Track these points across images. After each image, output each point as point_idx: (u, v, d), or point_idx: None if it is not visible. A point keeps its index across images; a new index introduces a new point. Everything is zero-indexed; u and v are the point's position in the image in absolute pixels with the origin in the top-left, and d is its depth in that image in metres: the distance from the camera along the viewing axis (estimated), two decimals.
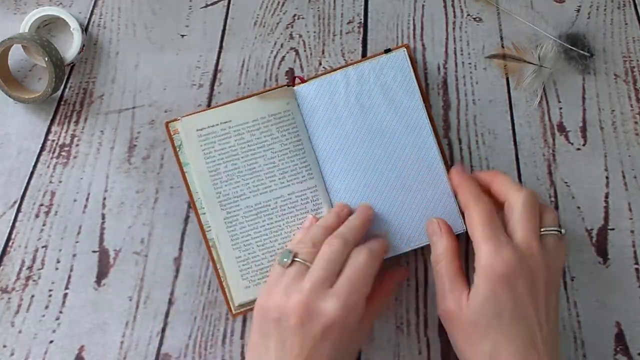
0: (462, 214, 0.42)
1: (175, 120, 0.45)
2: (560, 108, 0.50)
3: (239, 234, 0.44)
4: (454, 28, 0.54)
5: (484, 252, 0.37)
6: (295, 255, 0.39)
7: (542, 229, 0.39)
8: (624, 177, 0.48)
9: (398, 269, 0.45)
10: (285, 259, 0.39)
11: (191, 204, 0.45)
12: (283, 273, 0.39)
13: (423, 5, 0.55)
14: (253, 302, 0.40)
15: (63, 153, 0.50)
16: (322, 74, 0.47)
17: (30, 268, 0.46)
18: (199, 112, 0.46)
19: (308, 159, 0.45)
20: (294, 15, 0.55)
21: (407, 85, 0.46)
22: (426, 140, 0.45)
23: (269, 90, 0.46)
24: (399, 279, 0.44)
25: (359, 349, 0.43)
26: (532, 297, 0.36)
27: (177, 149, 0.45)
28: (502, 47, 0.52)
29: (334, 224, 0.41)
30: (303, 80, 0.47)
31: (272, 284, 0.39)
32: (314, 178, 0.45)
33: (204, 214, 0.44)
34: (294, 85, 0.47)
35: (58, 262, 0.47)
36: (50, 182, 0.49)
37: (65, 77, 0.53)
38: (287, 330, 0.36)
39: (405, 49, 0.47)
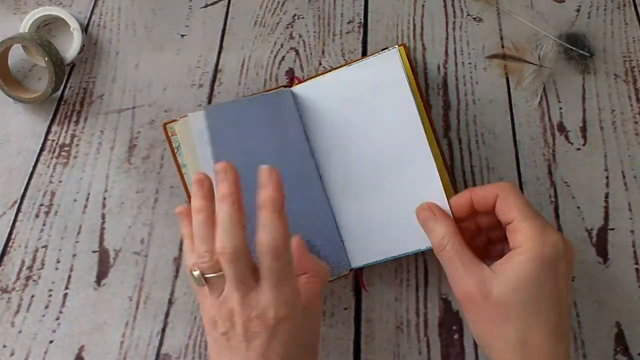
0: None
1: (172, 121, 0.45)
2: (560, 108, 0.50)
3: None
4: (454, 28, 0.54)
5: (531, 231, 0.35)
6: (203, 276, 0.35)
7: None
8: (624, 177, 0.48)
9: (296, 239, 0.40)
10: (199, 284, 0.35)
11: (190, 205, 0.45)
12: (205, 294, 0.36)
13: (423, 5, 0.55)
14: None
15: (63, 153, 0.50)
16: (321, 74, 0.47)
17: (30, 268, 0.46)
18: (196, 113, 0.45)
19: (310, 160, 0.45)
20: (294, 15, 0.55)
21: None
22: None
23: (266, 92, 0.46)
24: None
25: (318, 338, 0.39)
26: (567, 282, 0.36)
27: (175, 150, 0.45)
28: (502, 47, 0.52)
29: (208, 206, 0.37)
30: (301, 81, 0.47)
31: (204, 304, 0.36)
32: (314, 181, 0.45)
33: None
34: (292, 86, 0.47)
35: (58, 262, 0.47)
36: (50, 182, 0.49)
37: (65, 77, 0.53)
38: (235, 339, 0.34)
39: (400, 48, 0.47)
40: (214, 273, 0.35)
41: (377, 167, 0.44)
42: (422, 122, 0.43)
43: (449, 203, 0.40)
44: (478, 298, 0.35)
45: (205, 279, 0.35)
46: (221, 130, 0.43)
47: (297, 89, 0.46)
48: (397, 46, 0.46)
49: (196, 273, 0.35)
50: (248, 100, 0.45)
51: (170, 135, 0.45)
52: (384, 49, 0.48)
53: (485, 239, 0.42)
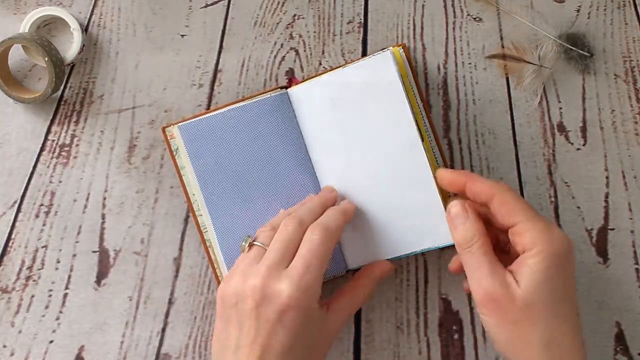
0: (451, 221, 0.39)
1: (170, 125, 0.45)
2: (560, 108, 0.50)
3: None
4: (454, 28, 0.54)
5: (537, 232, 0.35)
6: (254, 240, 0.39)
7: None
8: (624, 177, 0.48)
9: (379, 263, 0.42)
10: (244, 243, 0.39)
11: (188, 206, 0.45)
12: (243, 258, 0.38)
13: (423, 5, 0.55)
14: None
15: (63, 153, 0.50)
16: (320, 74, 0.47)
17: (30, 268, 0.46)
18: (194, 117, 0.45)
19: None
20: (294, 15, 0.55)
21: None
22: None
23: (264, 93, 0.46)
24: (379, 274, 0.42)
25: (325, 351, 0.39)
26: (573, 278, 0.36)
27: (174, 153, 0.45)
28: (502, 47, 0.52)
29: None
30: (299, 83, 0.47)
31: (233, 269, 0.38)
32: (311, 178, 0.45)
33: (201, 215, 0.44)
34: (289, 88, 0.47)
35: (58, 262, 0.47)
36: (50, 182, 0.49)
37: (65, 77, 0.53)
38: (244, 315, 0.35)
39: (400, 48, 0.47)
40: (261, 244, 0.38)
41: (372, 169, 0.43)
42: (418, 123, 0.42)
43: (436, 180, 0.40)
44: (503, 300, 0.34)
45: (251, 245, 0.39)
46: (199, 145, 0.44)
47: (293, 90, 0.46)
48: (391, 48, 0.45)
49: (249, 237, 0.39)
50: (229, 111, 0.45)
51: (169, 138, 0.45)
52: (384, 49, 0.48)
53: None
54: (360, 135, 0.43)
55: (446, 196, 0.41)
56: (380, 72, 0.42)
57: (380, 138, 0.43)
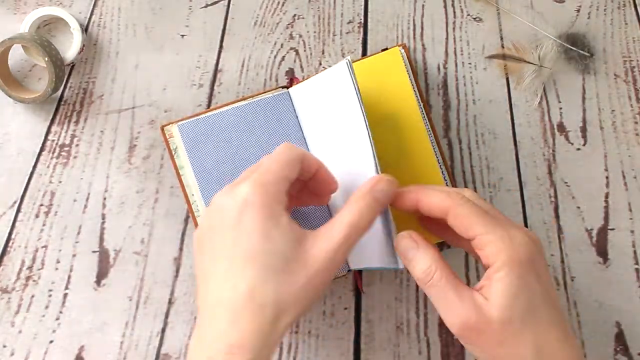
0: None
1: (170, 124, 0.45)
2: (560, 108, 0.50)
3: None
4: (454, 28, 0.54)
5: (497, 242, 0.33)
6: None
7: None
8: (624, 177, 0.48)
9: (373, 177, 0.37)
10: None
11: (188, 207, 0.45)
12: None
13: (423, 5, 0.55)
14: None
15: (63, 153, 0.50)
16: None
17: (30, 268, 0.46)
18: (191, 117, 0.45)
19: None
20: (294, 15, 0.55)
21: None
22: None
23: (264, 93, 0.46)
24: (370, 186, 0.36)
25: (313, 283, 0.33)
26: (548, 275, 0.34)
27: (173, 152, 0.45)
28: (502, 47, 0.52)
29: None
30: (299, 82, 0.47)
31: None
32: None
33: (200, 216, 0.44)
34: (290, 87, 0.47)
35: (58, 262, 0.47)
36: (50, 182, 0.49)
37: (65, 77, 0.53)
38: (216, 235, 0.34)
39: (400, 48, 0.47)
40: None
41: (351, 176, 0.41)
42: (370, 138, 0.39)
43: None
44: (481, 325, 0.32)
45: None
46: (198, 145, 0.44)
47: (292, 90, 0.46)
48: (348, 57, 0.41)
49: None
50: (229, 110, 0.45)
51: (168, 137, 0.45)
52: (384, 49, 0.48)
53: None
54: (324, 144, 0.43)
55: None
56: (338, 80, 0.41)
57: (337, 148, 0.42)
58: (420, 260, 0.34)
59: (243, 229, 0.33)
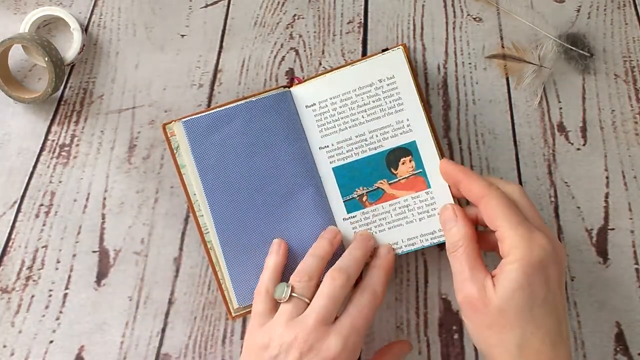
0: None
1: (171, 122, 0.45)
2: (560, 108, 0.50)
3: None
4: (454, 28, 0.54)
5: (517, 238, 0.35)
6: (292, 290, 0.38)
7: None
8: (624, 177, 0.48)
9: (401, 342, 0.43)
10: (282, 295, 0.38)
11: (189, 206, 0.45)
12: (278, 308, 0.38)
13: (423, 5, 0.55)
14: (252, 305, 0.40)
15: (63, 153, 0.50)
16: (321, 74, 0.47)
17: (30, 268, 0.46)
18: (196, 114, 0.45)
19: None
20: (294, 15, 0.55)
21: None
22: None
23: (264, 93, 0.46)
24: (400, 352, 0.42)
25: None
26: (560, 285, 0.36)
27: (175, 151, 0.45)
28: (502, 47, 0.52)
29: (328, 253, 0.41)
30: (301, 82, 0.47)
31: (263, 317, 0.38)
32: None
33: (202, 216, 0.44)
34: (291, 87, 0.47)
35: (58, 262, 0.47)
36: (50, 182, 0.49)
37: (65, 77, 0.53)
38: None
39: (401, 48, 0.47)
40: (302, 296, 0.38)
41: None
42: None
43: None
44: (479, 304, 0.35)
45: (291, 296, 0.38)
46: (202, 141, 0.44)
47: (295, 89, 0.46)
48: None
49: (286, 287, 0.38)
50: (233, 107, 0.45)
51: (169, 135, 0.45)
52: (384, 49, 0.48)
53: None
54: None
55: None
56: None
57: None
58: (454, 233, 0.39)
59: None
